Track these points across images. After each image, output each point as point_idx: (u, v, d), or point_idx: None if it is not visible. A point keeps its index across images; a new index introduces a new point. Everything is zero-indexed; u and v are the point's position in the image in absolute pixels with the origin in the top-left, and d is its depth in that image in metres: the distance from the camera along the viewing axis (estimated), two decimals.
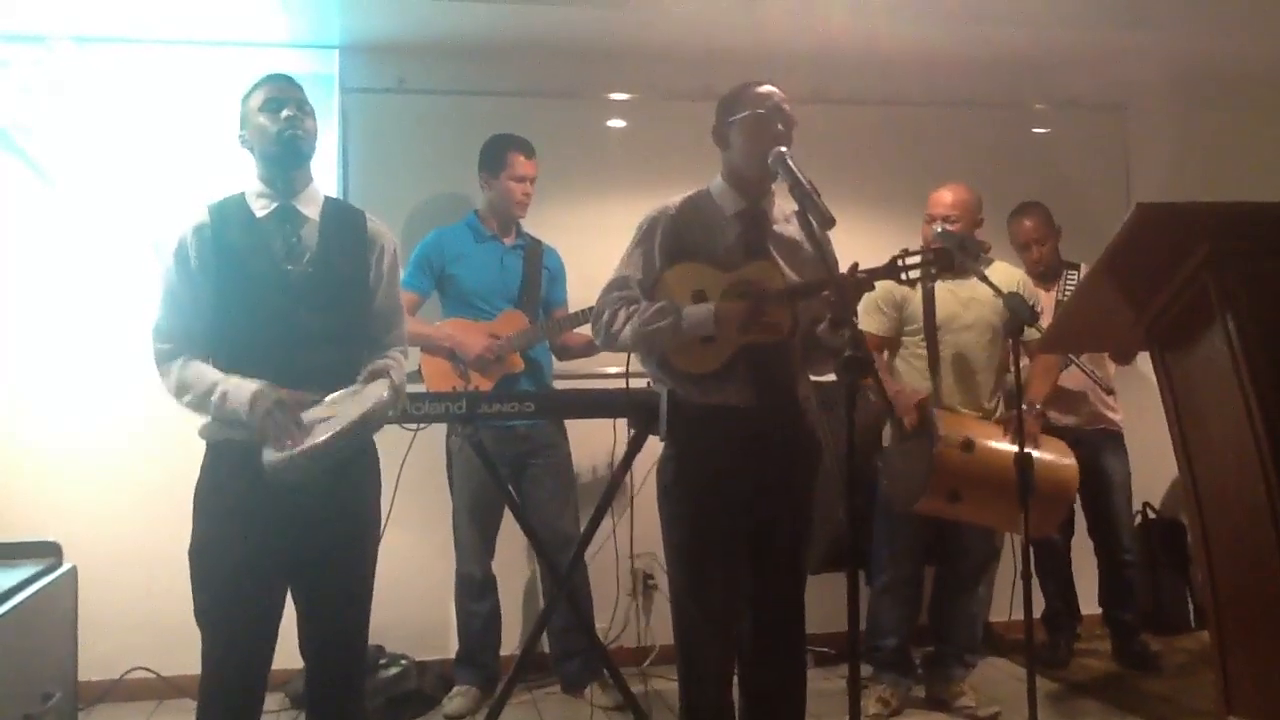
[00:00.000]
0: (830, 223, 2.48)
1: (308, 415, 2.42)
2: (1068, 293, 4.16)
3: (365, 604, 2.64)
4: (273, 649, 2.53)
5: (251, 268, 2.50)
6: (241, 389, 2.40)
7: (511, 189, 3.91)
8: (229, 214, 2.55)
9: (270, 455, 2.35)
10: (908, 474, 3.45)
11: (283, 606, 2.55)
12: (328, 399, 2.46)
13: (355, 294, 2.60)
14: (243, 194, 2.59)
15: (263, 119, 2.55)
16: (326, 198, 2.67)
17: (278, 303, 2.49)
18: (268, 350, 2.48)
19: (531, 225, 4.05)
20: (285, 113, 2.53)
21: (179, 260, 2.51)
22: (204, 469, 2.54)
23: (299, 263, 2.53)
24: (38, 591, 3.08)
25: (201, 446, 2.55)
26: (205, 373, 2.47)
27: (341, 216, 2.66)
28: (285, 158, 2.55)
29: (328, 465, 2.35)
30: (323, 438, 2.33)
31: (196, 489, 2.53)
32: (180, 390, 2.49)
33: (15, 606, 2.91)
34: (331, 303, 2.54)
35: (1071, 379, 4.08)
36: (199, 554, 2.49)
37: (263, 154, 2.57)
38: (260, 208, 2.56)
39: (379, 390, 2.46)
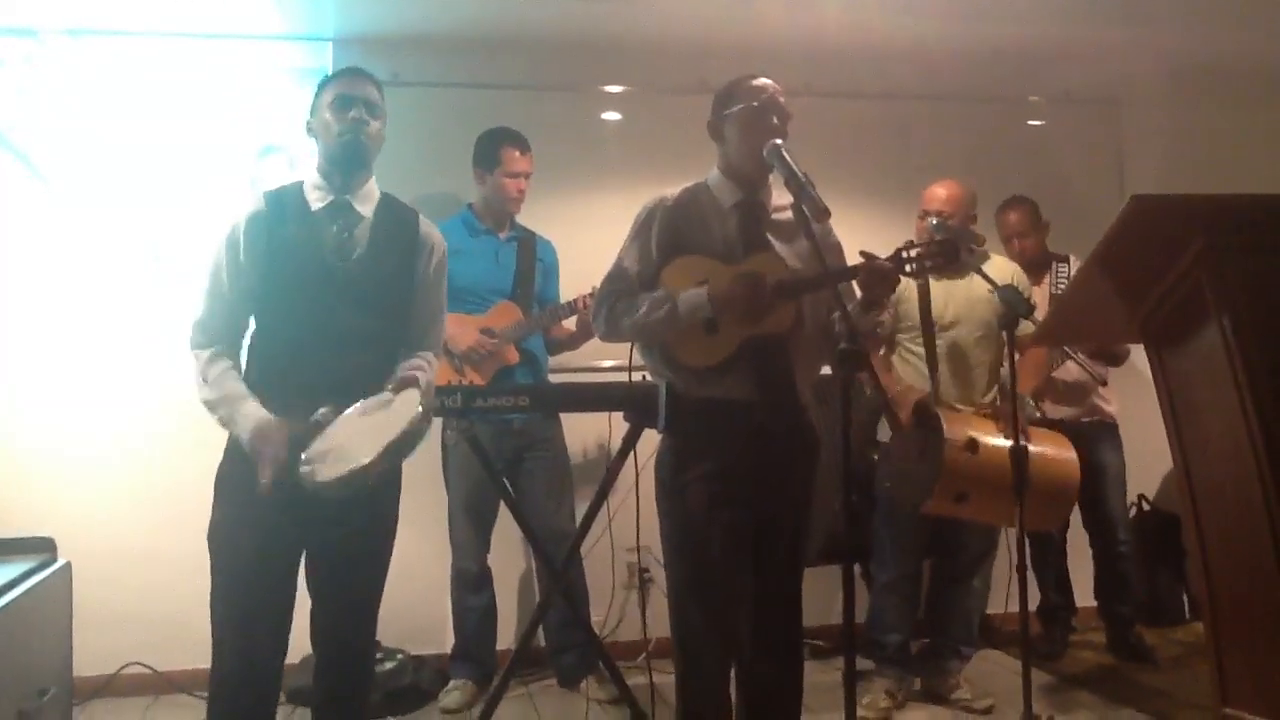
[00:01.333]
0: (825, 214, 2.49)
1: (335, 426, 2.39)
2: (1059, 286, 4.17)
3: (377, 599, 2.66)
4: (285, 642, 2.53)
5: (300, 260, 2.51)
6: (247, 419, 2.41)
7: (505, 185, 3.90)
8: (285, 204, 2.56)
9: (309, 474, 2.32)
10: (913, 476, 3.44)
11: (294, 599, 2.55)
12: (358, 406, 2.43)
13: (398, 295, 2.61)
14: (300, 184, 2.61)
15: (329, 115, 2.56)
16: (383, 194, 2.67)
17: (321, 298, 2.50)
18: (304, 344, 2.49)
19: (526, 218, 4.04)
20: (352, 114, 2.55)
21: (229, 247, 2.52)
22: (225, 455, 2.54)
23: (347, 259, 2.54)
24: (33, 587, 3.09)
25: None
26: (224, 381, 2.47)
27: (395, 216, 2.67)
28: (346, 159, 2.57)
29: (364, 484, 2.32)
30: (360, 463, 2.27)
31: (219, 472, 2.54)
32: (200, 384, 2.50)
33: (10, 602, 2.91)
34: (374, 302, 2.55)
35: (1066, 371, 4.09)
36: (216, 537, 2.50)
37: (325, 149, 2.59)
38: (316, 200, 2.57)
39: (411, 406, 2.39)
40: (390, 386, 2.49)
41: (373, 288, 2.55)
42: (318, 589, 2.58)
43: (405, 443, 2.33)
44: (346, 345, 2.50)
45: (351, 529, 2.50)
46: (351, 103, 2.56)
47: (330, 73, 2.64)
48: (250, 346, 2.58)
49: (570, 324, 3.99)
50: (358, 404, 2.44)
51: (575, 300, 3.84)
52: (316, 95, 2.63)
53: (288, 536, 2.46)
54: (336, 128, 2.55)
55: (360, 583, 2.61)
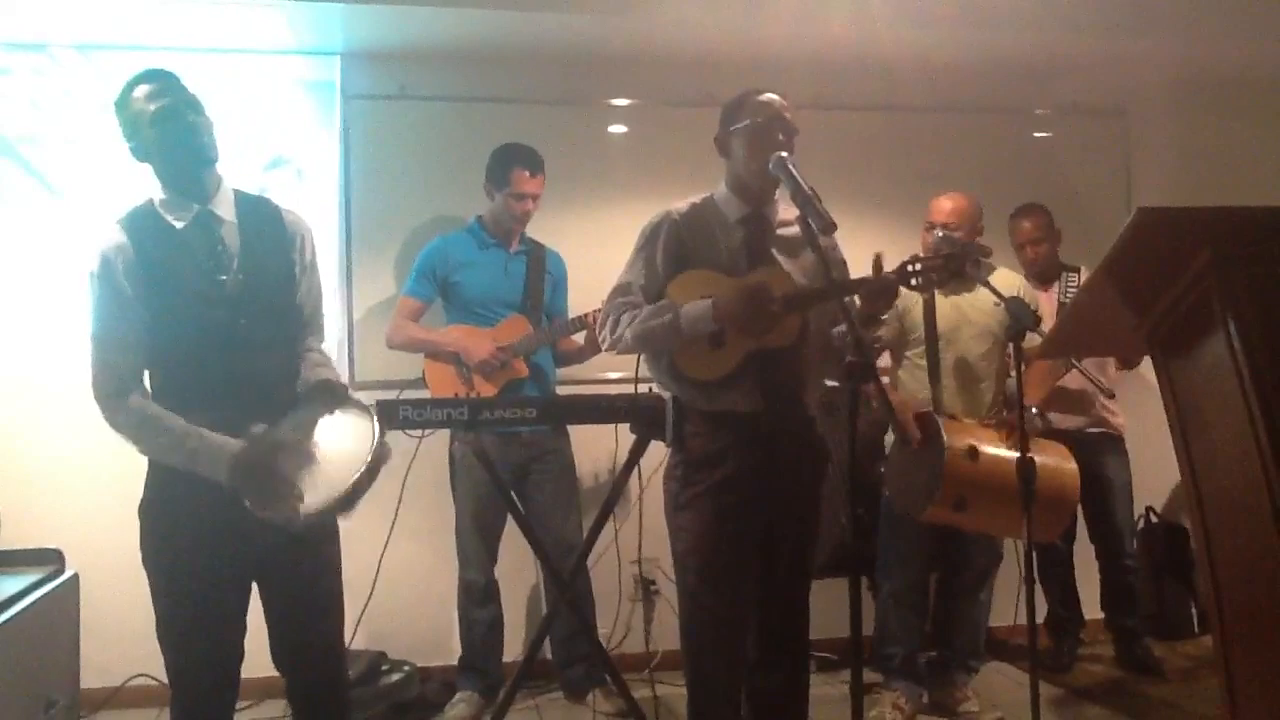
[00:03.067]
0: (831, 228, 2.49)
1: (293, 453, 2.29)
2: (1068, 295, 4.16)
3: (338, 609, 2.56)
4: (239, 660, 2.45)
5: (183, 284, 2.37)
6: (218, 453, 2.27)
7: (512, 206, 3.90)
8: (145, 230, 2.41)
9: (270, 514, 2.22)
10: (913, 483, 3.44)
11: (246, 614, 2.46)
12: (286, 426, 2.33)
13: (284, 292, 2.51)
14: (151, 203, 2.46)
15: (155, 131, 2.39)
16: (235, 193, 2.54)
17: (216, 315, 2.38)
18: (209, 366, 2.37)
19: (533, 230, 4.05)
20: (188, 119, 2.40)
21: (105, 285, 2.35)
22: (149, 486, 2.42)
23: (229, 271, 2.42)
24: (40, 599, 3.10)
25: None
26: (166, 421, 2.32)
27: (258, 213, 2.54)
28: (198, 167, 2.43)
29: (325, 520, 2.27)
30: (323, 503, 2.21)
31: (142, 507, 2.41)
32: (137, 434, 2.34)
33: (18, 614, 2.92)
34: (266, 307, 2.45)
35: (1073, 382, 4.08)
36: (156, 572, 2.39)
37: (168, 164, 2.43)
38: (176, 219, 2.42)
39: (365, 427, 2.32)
40: (305, 389, 2.42)
41: (261, 293, 2.44)
42: (272, 610, 2.48)
43: (372, 474, 2.26)
44: (251, 356, 2.40)
45: (296, 541, 2.34)
46: (179, 110, 2.40)
47: (127, 84, 2.44)
48: (153, 381, 2.42)
49: (579, 338, 4.00)
50: (286, 424, 2.34)
51: (584, 315, 3.84)
52: (123, 113, 2.44)
53: (231, 559, 2.36)
54: (174, 137, 2.39)
55: (315, 596, 2.50)
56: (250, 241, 2.47)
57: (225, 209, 2.48)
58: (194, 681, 2.42)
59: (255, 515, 2.22)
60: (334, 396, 2.42)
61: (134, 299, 2.35)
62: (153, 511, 2.41)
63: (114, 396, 2.35)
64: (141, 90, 2.42)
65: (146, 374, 2.41)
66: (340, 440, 2.33)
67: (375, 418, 2.37)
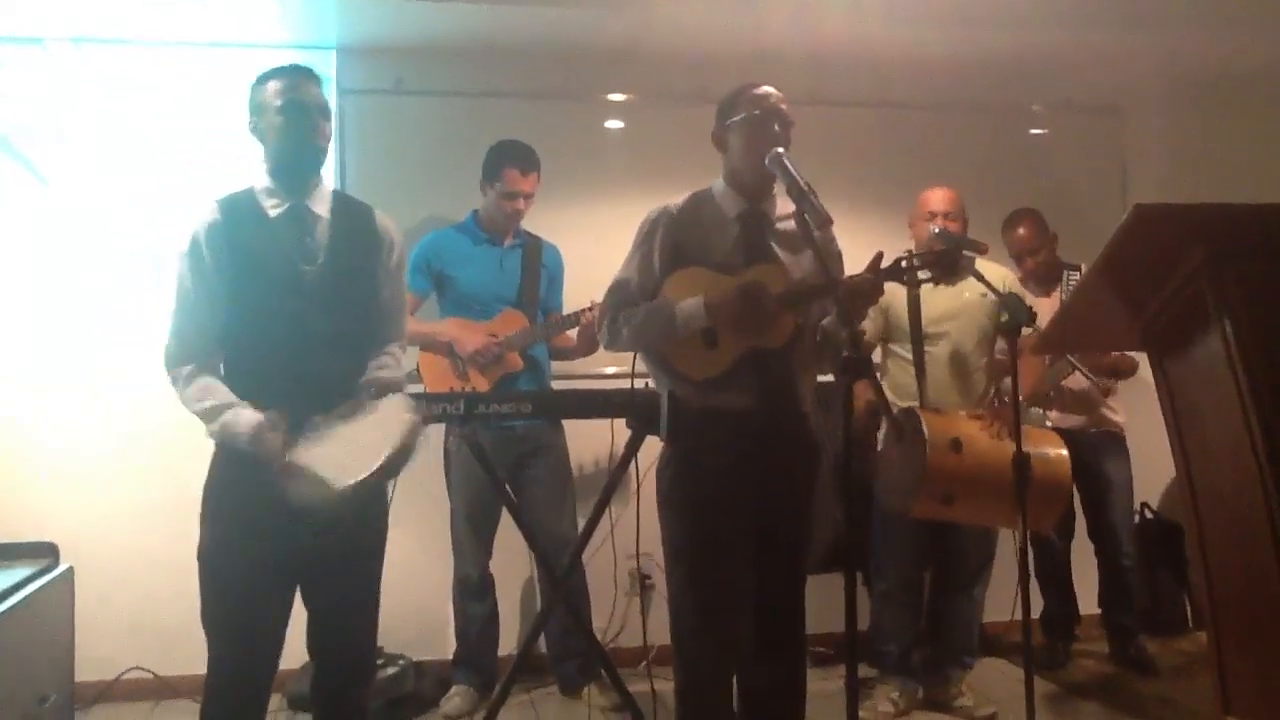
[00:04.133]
0: (827, 222, 2.49)
1: (326, 438, 2.37)
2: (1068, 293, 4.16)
3: (374, 607, 2.65)
4: (279, 655, 2.54)
5: (267, 269, 2.48)
6: (244, 421, 2.38)
7: (502, 204, 3.89)
8: (241, 212, 2.52)
9: (297, 498, 2.30)
10: (899, 479, 3.44)
11: (290, 609, 2.55)
12: (344, 418, 2.41)
13: (364, 293, 2.60)
14: (251, 190, 2.57)
15: (279, 120, 2.50)
16: (334, 193, 2.65)
17: (293, 305, 2.47)
18: (279, 353, 2.47)
19: (529, 226, 4.04)
20: (305, 122, 2.51)
21: (192, 259, 2.49)
22: (212, 469, 2.52)
23: (312, 264, 2.52)
24: (34, 592, 3.09)
25: (197, 446, 2.54)
26: (212, 390, 2.45)
27: (351, 213, 2.65)
28: (305, 166, 2.55)
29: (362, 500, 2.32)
30: (352, 480, 2.26)
31: (205, 491, 2.52)
32: (186, 401, 2.47)
33: (12, 607, 2.91)
34: (341, 303, 2.53)
35: (1074, 380, 4.08)
36: (208, 558, 2.48)
37: (278, 155, 2.54)
38: (272, 207, 2.53)
39: (400, 414, 2.39)
40: (369, 392, 2.48)
41: (339, 289, 2.53)
42: (314, 596, 2.57)
43: (404, 452, 2.32)
44: (319, 348, 2.49)
45: (345, 535, 2.47)
46: (305, 109, 2.51)
47: (270, 70, 2.55)
48: (224, 361, 2.53)
49: (572, 334, 4.00)
50: (340, 414, 2.41)
51: (579, 312, 3.84)
52: (255, 94, 2.55)
53: (279, 551, 2.44)
54: (291, 134, 2.49)
55: (357, 586, 2.60)
56: (338, 239, 2.56)
57: (321, 206, 2.58)
58: (231, 667, 2.47)
59: (294, 507, 2.28)
60: (381, 389, 2.49)
61: (215, 276, 2.46)
62: (210, 498, 2.51)
63: (173, 364, 2.49)
64: (283, 80, 2.52)
65: (221, 350, 2.52)
66: (376, 426, 2.38)
67: (410, 403, 2.43)
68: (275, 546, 2.42)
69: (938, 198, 3.70)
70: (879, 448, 3.69)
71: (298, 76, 2.54)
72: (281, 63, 2.59)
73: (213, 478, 2.52)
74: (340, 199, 2.66)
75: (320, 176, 2.61)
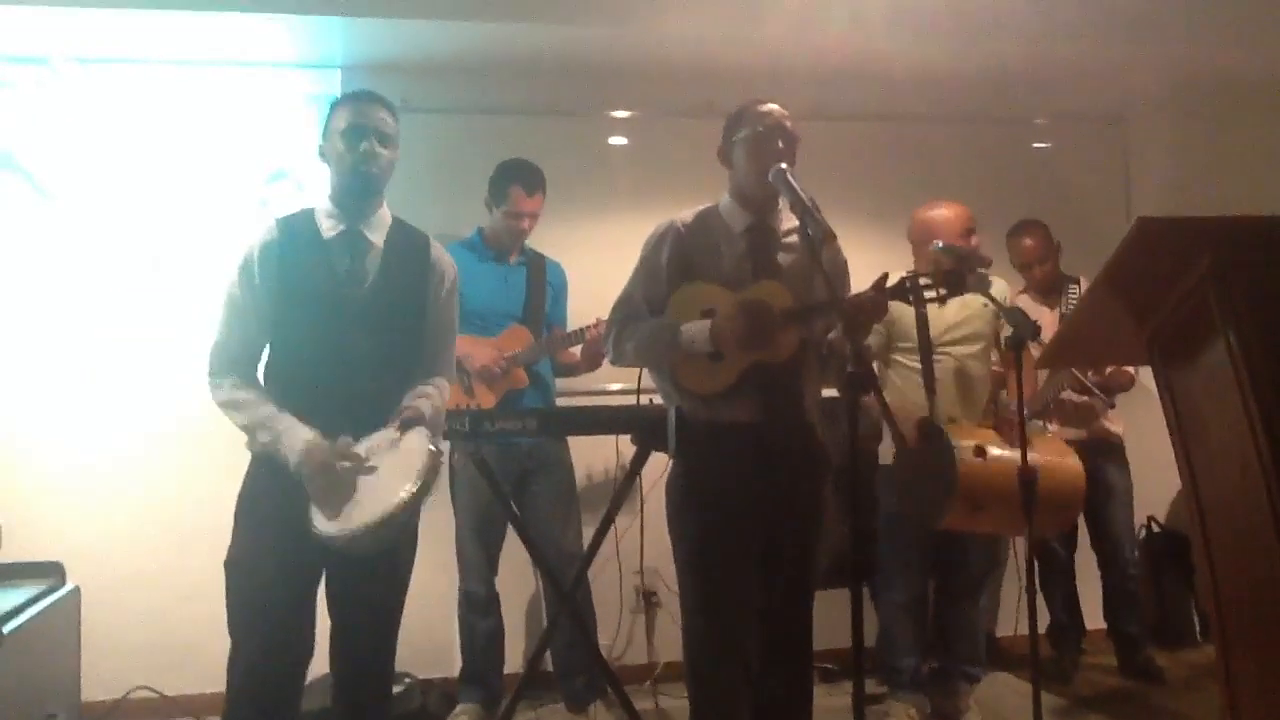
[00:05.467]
0: (830, 236, 2.50)
1: (352, 473, 2.42)
2: (1071, 306, 4.17)
3: (397, 618, 2.68)
4: (308, 661, 2.55)
5: (314, 288, 2.52)
6: (294, 436, 2.42)
7: (508, 224, 3.91)
8: (297, 231, 2.58)
9: (321, 526, 2.37)
10: (926, 492, 3.43)
11: (315, 619, 2.56)
12: (364, 445, 2.45)
13: (411, 320, 2.63)
14: (312, 211, 2.62)
15: (342, 145, 2.57)
16: (394, 220, 2.70)
17: (334, 325, 2.51)
18: (318, 372, 2.50)
19: (533, 242, 4.05)
20: (364, 146, 2.55)
21: (244, 274, 2.54)
22: (247, 478, 2.56)
23: (360, 287, 2.56)
24: (41, 612, 3.10)
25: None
26: (257, 404, 2.49)
27: (406, 241, 2.68)
28: (358, 191, 2.59)
29: (381, 536, 2.36)
30: (375, 517, 2.33)
31: (239, 498, 2.55)
32: (229, 408, 2.51)
33: (19, 627, 2.92)
34: (387, 328, 2.57)
35: (1072, 392, 4.08)
36: (236, 564, 2.51)
37: (338, 178, 2.61)
38: (328, 228, 2.59)
39: (420, 448, 2.42)
40: (395, 423, 2.49)
41: (386, 314, 2.58)
42: (339, 610, 2.60)
43: (423, 490, 2.37)
44: (362, 372, 2.52)
45: (367, 564, 2.49)
46: (364, 133, 2.57)
47: (342, 94, 2.64)
48: (265, 375, 2.59)
49: (575, 351, 4.01)
50: (362, 444, 2.45)
51: (584, 328, 3.85)
52: (328, 118, 2.64)
53: (308, 560, 2.47)
54: (350, 159, 2.56)
55: (380, 602, 2.62)
56: (390, 266, 2.61)
57: (377, 233, 2.63)
58: (253, 677, 2.49)
59: (314, 534, 2.35)
60: (410, 422, 2.50)
61: (264, 292, 2.51)
62: (243, 505, 2.54)
63: (214, 375, 2.54)
64: (350, 105, 2.60)
65: (262, 365, 2.57)
66: (398, 461, 2.42)
67: (431, 438, 2.47)
68: (304, 555, 2.44)
69: (959, 216, 3.63)
70: (879, 461, 3.69)
71: (361, 103, 2.61)
72: (356, 88, 2.68)
73: (246, 487, 2.55)
74: (399, 227, 2.70)
75: (382, 202, 2.66)
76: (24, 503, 3.94)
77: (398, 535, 2.44)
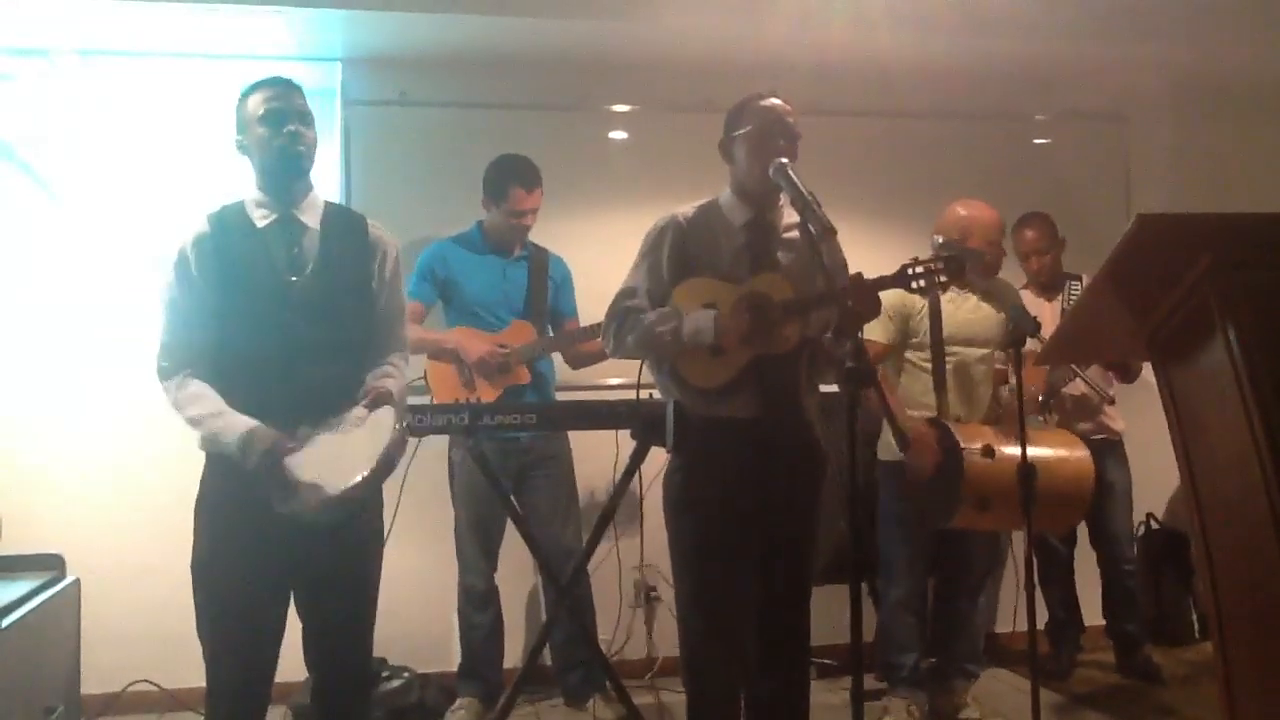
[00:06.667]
0: (830, 232, 2.50)
1: (313, 447, 2.39)
2: (1071, 304, 4.16)
3: (370, 616, 2.63)
4: (275, 663, 2.53)
5: (253, 279, 2.48)
6: (232, 428, 2.39)
7: (510, 223, 3.90)
8: (229, 224, 2.53)
9: (280, 507, 2.33)
10: (936, 491, 3.43)
11: (285, 619, 2.55)
12: (332, 427, 2.42)
13: (357, 303, 2.58)
14: (241, 203, 2.57)
15: (262, 130, 2.51)
16: (327, 204, 2.65)
17: (279, 315, 2.47)
18: (267, 363, 2.46)
19: (534, 237, 4.05)
20: (288, 127, 2.51)
21: (179, 271, 2.50)
22: (203, 480, 2.53)
23: (300, 274, 2.51)
24: (41, 604, 3.10)
25: (203, 458, 2.54)
26: (202, 397, 2.45)
27: (342, 224, 2.63)
28: (287, 172, 2.54)
29: (350, 509, 2.35)
30: (340, 489, 2.30)
31: (197, 501, 2.52)
32: (178, 407, 2.48)
33: (18, 619, 2.92)
34: (333, 314, 2.52)
35: (1074, 387, 4.08)
36: (201, 567, 2.49)
37: (262, 165, 2.55)
38: (260, 217, 2.54)
39: (386, 426, 2.40)
40: (363, 402, 2.47)
41: (330, 299, 2.52)
42: (308, 611, 2.56)
43: (387, 463, 2.35)
44: (311, 360, 2.47)
45: (338, 547, 2.47)
46: (286, 115, 2.51)
47: (249, 85, 2.59)
48: (213, 374, 2.51)
49: (595, 343, 4.00)
50: (329, 424, 2.43)
51: (595, 325, 3.83)
52: (240, 109, 2.57)
53: (273, 560, 2.44)
54: (276, 143, 2.50)
55: (351, 601, 2.58)
56: (329, 249, 2.56)
57: (311, 216, 2.58)
58: (229, 677, 2.48)
59: (280, 513, 2.32)
60: (378, 400, 2.48)
61: (203, 287, 2.47)
62: (201, 508, 2.52)
63: (165, 374, 2.50)
64: (263, 92, 2.55)
65: (209, 361, 2.51)
66: (362, 440, 2.39)
67: (396, 414, 2.45)
68: (267, 557, 2.42)
69: (990, 227, 3.63)
70: (879, 457, 3.68)
71: (276, 87, 2.55)
72: (261, 76, 2.60)
73: (204, 487, 2.52)
74: (332, 209, 2.65)
75: (311, 187, 2.61)
76: (24, 495, 3.94)
77: (359, 510, 2.42)
